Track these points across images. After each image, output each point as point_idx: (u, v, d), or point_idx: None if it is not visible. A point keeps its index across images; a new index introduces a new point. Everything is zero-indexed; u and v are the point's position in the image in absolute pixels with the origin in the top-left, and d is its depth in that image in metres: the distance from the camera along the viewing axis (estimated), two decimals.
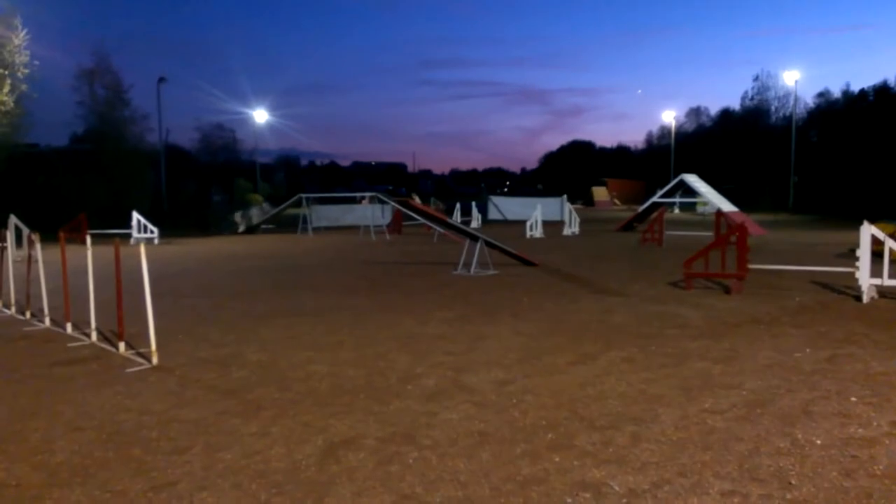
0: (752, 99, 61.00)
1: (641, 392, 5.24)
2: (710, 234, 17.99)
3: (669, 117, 65.15)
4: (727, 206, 23.55)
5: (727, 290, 10.11)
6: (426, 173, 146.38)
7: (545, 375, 5.74)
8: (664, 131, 72.30)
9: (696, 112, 73.51)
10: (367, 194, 29.48)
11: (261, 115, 62.61)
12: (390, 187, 79.42)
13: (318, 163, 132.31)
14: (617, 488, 3.57)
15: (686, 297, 9.80)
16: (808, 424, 4.48)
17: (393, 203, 24.58)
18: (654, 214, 22.57)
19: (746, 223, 13.57)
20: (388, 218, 26.87)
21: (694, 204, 36.94)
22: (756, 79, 60.63)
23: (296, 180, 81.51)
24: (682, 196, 29.24)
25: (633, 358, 6.29)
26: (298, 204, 27.53)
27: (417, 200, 29.84)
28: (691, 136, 67.39)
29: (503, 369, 5.95)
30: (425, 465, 3.89)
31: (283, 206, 29.58)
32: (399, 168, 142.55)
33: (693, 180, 25.15)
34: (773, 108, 59.52)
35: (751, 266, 10.53)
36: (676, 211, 40.40)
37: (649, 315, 8.43)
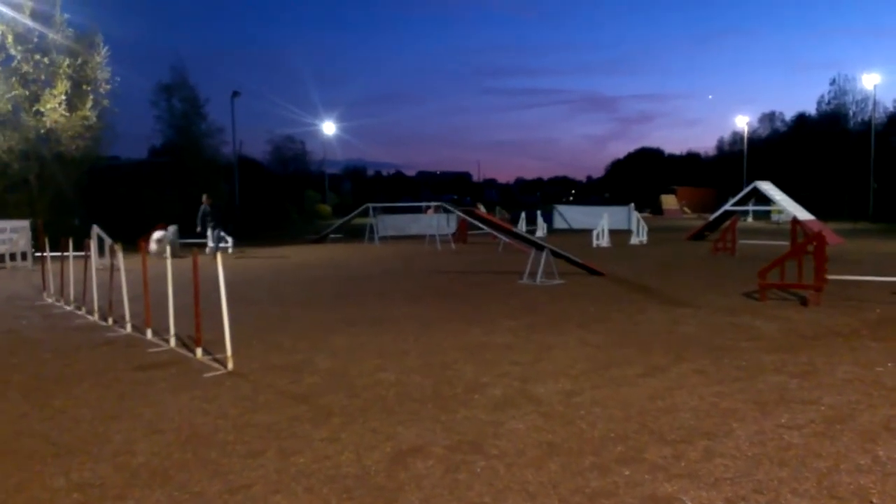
0: (828, 103, 58.95)
1: (714, 406, 5.12)
2: (785, 243, 17.43)
3: (742, 123, 63.50)
4: (803, 215, 22.78)
5: (804, 302, 9.78)
6: (491, 182, 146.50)
7: (614, 387, 5.68)
8: (736, 137, 70.49)
9: (769, 117, 71.54)
10: (433, 204, 29.67)
11: (329, 127, 64.13)
12: (455, 196, 79.76)
13: (384, 173, 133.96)
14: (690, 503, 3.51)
15: (761, 308, 9.52)
16: (890, 441, 4.31)
17: (458, 212, 24.67)
18: (727, 223, 22.02)
19: (824, 232, 13.12)
20: (453, 227, 26.98)
21: (768, 212, 35.85)
22: (833, 83, 58.61)
23: (363, 190, 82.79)
24: (755, 204, 28.42)
25: (704, 370, 6.16)
26: (365, 213, 27.94)
27: (482, 209, 29.89)
28: (765, 142, 65.52)
29: (570, 380, 5.91)
30: (493, 475, 3.90)
31: (350, 216, 30.05)
32: (464, 177, 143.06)
33: (767, 188, 24.43)
34: (851, 112, 57.38)
35: (829, 276, 10.18)
36: (749, 219, 39.32)
37: (722, 326, 8.23)
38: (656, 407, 5.11)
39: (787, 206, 24.06)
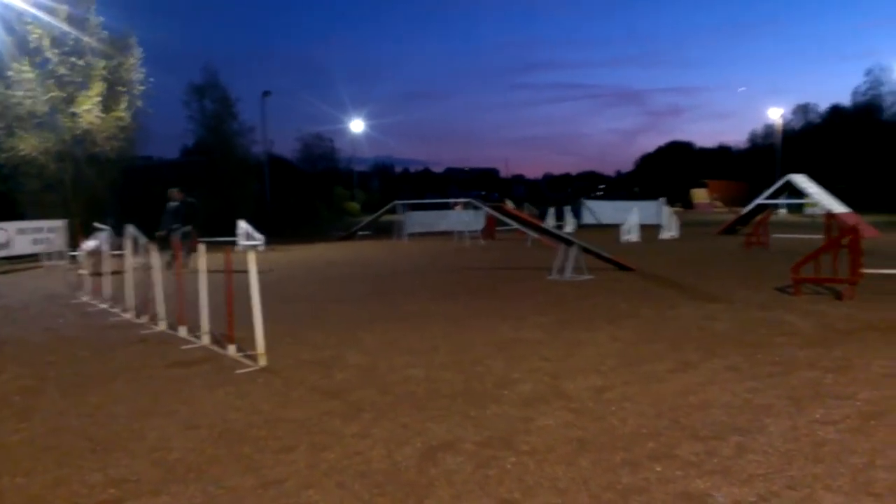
0: (864, 94, 57.84)
1: (747, 402, 5.07)
2: (819, 236, 17.14)
3: (775, 115, 62.42)
4: (838, 208, 22.39)
5: (839, 296, 9.62)
6: (519, 178, 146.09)
7: (644, 383, 5.64)
8: (769, 130, 69.32)
9: (803, 109, 70.23)
10: (461, 200, 29.66)
11: (357, 125, 64.46)
12: (483, 193, 79.60)
13: (411, 170, 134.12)
14: (722, 500, 3.48)
15: (794, 303, 9.39)
16: None
17: (486, 208, 24.63)
18: (759, 216, 21.72)
19: (859, 225, 12.88)
20: (481, 223, 26.95)
21: (801, 205, 35.25)
22: (868, 73, 57.48)
23: (391, 187, 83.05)
24: (788, 197, 27.99)
25: (737, 366, 6.09)
26: (394, 210, 28.03)
27: (510, 205, 29.82)
28: (798, 135, 64.38)
29: (601, 376, 5.88)
30: (523, 471, 3.90)
31: (378, 213, 30.19)
32: (491, 173, 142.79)
33: (801, 180, 24.04)
34: (887, 103, 56.24)
35: (864, 270, 9.99)
36: (783, 212, 38.71)
37: (754, 322, 8.13)
38: (688, 403, 5.07)
39: (822, 199, 23.66)
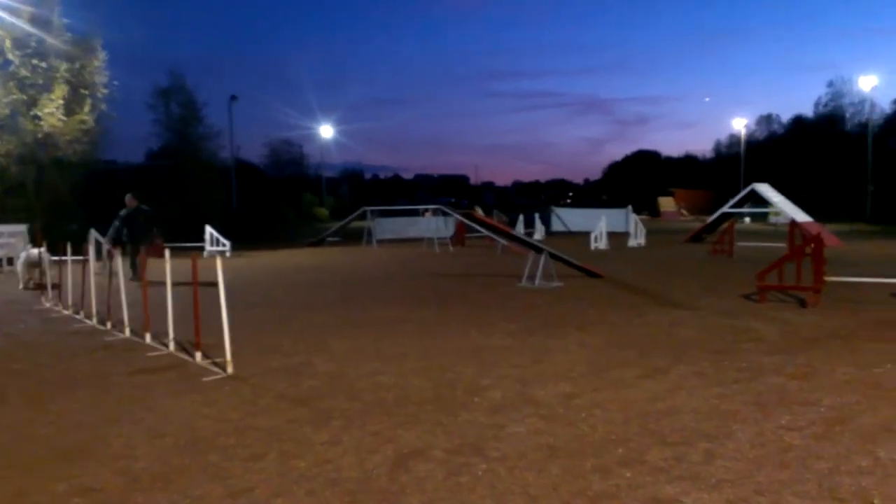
0: (825, 105, 59.29)
1: (714, 408, 5.13)
2: (783, 245, 17.47)
3: (739, 125, 63.63)
4: (801, 217, 22.85)
5: (803, 304, 9.80)
6: (488, 185, 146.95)
7: (613, 389, 5.68)
8: (733, 139, 70.68)
9: (766, 119, 71.82)
10: (431, 207, 29.67)
11: (326, 131, 64.27)
12: (452, 199, 79.81)
13: (381, 176, 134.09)
14: None
15: (759, 310, 9.54)
16: (891, 442, 4.31)
17: (456, 215, 24.67)
18: (725, 225, 22.07)
19: (822, 234, 13.14)
20: (451, 230, 26.98)
21: (766, 214, 35.92)
22: (830, 85, 58.99)
23: (360, 193, 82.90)
24: (753, 206, 28.49)
25: (704, 373, 6.17)
26: (363, 217, 27.93)
27: (480, 212, 29.91)
28: (762, 145, 65.69)
29: (570, 382, 5.91)
30: (494, 478, 3.90)
31: (347, 220, 30.05)
32: (461, 180, 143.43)
33: (765, 190, 24.49)
34: (848, 114, 57.71)
35: (827, 278, 10.19)
36: (747, 221, 39.38)
37: (721, 329, 8.24)
38: (656, 409, 5.12)
39: (786, 207, 24.11)
